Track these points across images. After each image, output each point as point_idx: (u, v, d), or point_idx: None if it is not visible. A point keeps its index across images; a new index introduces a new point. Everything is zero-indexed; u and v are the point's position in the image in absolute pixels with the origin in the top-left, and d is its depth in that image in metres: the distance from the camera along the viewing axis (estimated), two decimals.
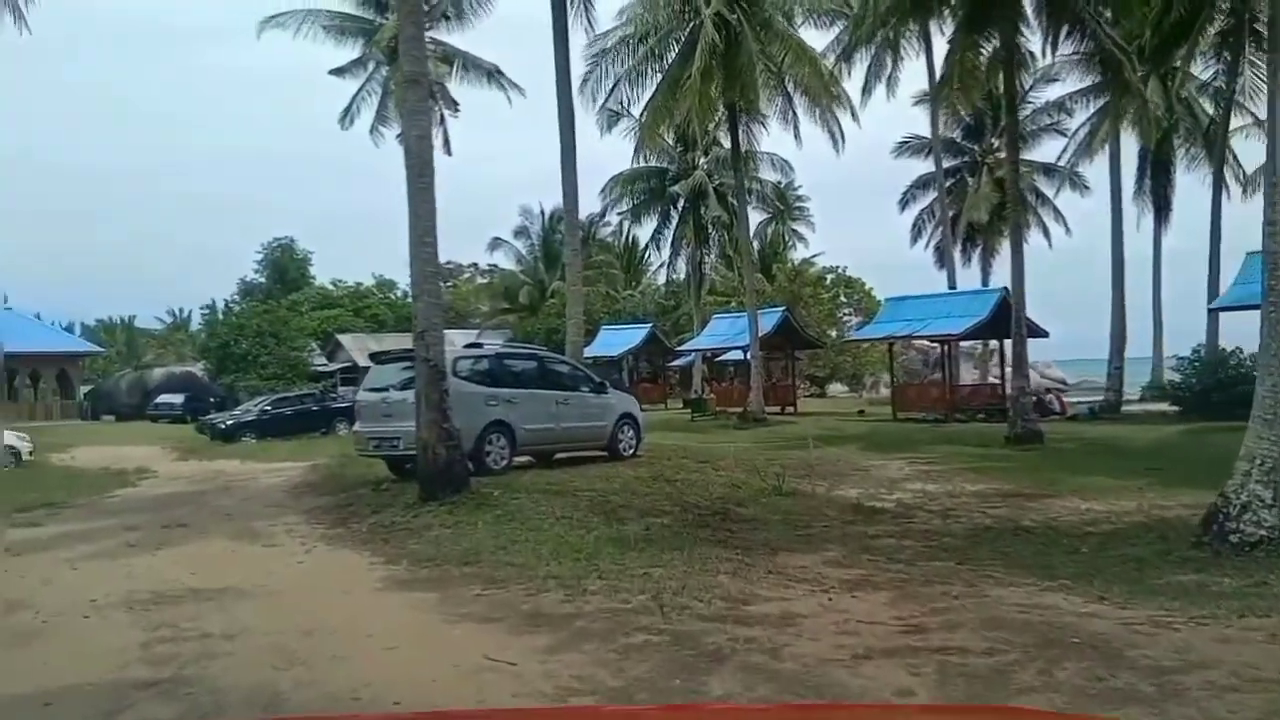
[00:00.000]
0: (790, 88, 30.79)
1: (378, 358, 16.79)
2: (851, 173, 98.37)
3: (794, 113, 31.41)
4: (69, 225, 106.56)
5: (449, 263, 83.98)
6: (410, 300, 68.58)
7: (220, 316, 57.08)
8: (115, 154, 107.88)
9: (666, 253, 47.69)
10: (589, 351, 46.22)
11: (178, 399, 49.94)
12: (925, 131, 41.61)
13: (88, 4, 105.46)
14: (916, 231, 43.17)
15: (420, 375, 12.07)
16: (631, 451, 17.48)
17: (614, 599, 6.84)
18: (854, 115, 31.38)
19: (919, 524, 11.84)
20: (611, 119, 37.13)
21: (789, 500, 13.54)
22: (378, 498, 13.24)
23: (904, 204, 43.48)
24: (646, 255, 51.36)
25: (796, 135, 31.95)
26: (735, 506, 12.91)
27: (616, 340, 46.02)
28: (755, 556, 8.99)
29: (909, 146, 43.31)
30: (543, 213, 63.47)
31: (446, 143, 33.62)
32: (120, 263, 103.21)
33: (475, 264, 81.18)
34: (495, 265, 71.95)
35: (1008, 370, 42.85)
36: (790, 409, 36.22)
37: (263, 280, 65.52)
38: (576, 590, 7.13)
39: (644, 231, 49.32)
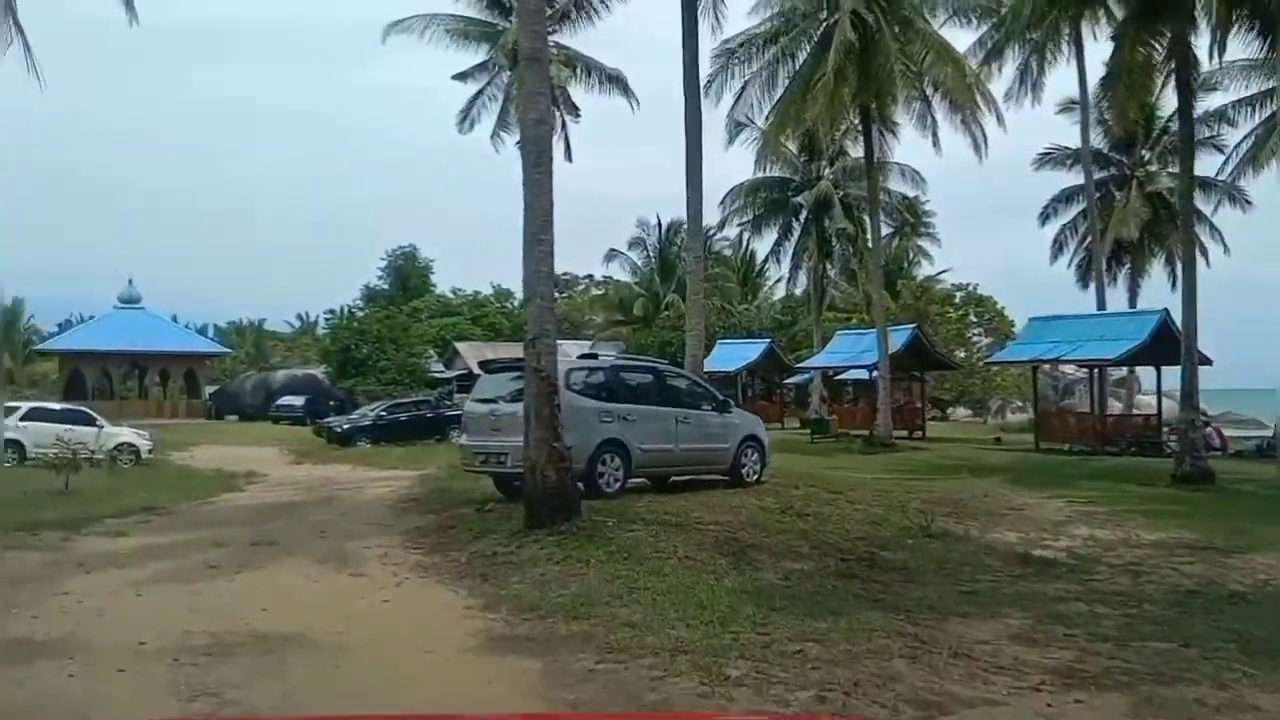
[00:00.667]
0: (929, 91, 28.71)
1: (487, 366, 15.52)
2: (981, 185, 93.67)
3: (932, 118, 29.32)
4: (213, 231, 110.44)
5: (565, 274, 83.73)
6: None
7: (343, 321, 57.43)
8: (257, 165, 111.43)
9: (786, 266, 45.67)
10: (704, 366, 44.74)
11: (298, 401, 50.31)
12: (1066, 141, 38.84)
13: (232, 19, 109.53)
14: (1058, 248, 40.23)
15: (530, 387, 10.71)
16: (756, 478, 15.81)
17: (766, 694, 5.24)
18: (999, 119, 29.02)
19: (1104, 583, 9.89)
20: (734, 129, 35.58)
21: (939, 544, 11.69)
22: (481, 521, 11.94)
23: (1045, 218, 40.59)
24: (765, 268, 49.40)
25: (935, 142, 29.82)
26: (880, 550, 11.16)
27: (733, 355, 44.27)
28: (923, 624, 7.27)
29: (1051, 158, 40.45)
30: (659, 224, 62.36)
31: (567, 149, 32.54)
32: (255, 268, 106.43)
33: (590, 275, 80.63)
34: (609, 277, 71.00)
35: (1143, 399, 39.95)
36: (918, 433, 33.93)
37: (385, 287, 66.07)
38: (715, 676, 5.54)
39: (763, 244, 47.44)
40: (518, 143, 33.17)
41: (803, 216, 42.90)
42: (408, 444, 34.66)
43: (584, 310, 76.74)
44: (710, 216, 44.59)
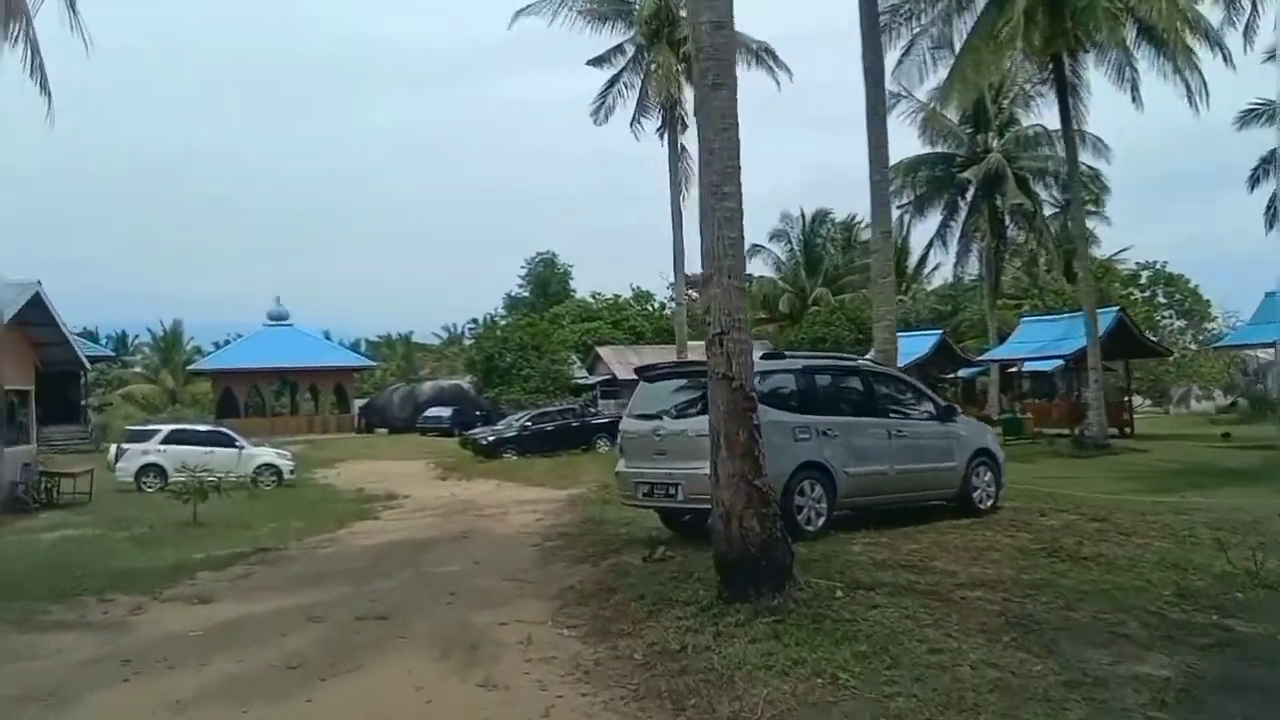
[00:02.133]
0: (1132, 35, 24.29)
1: (648, 373, 12.33)
2: (1165, 152, 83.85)
3: (1132, 67, 24.87)
4: (365, 251, 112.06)
5: (696, 273, 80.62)
6: (669, 309, 64.87)
7: (486, 330, 55.86)
8: (402, 186, 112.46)
9: (953, 249, 41.19)
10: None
11: (445, 412, 48.75)
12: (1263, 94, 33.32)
13: (366, 47, 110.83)
14: (1271, 215, 34.68)
15: (716, 400, 7.52)
16: (991, 503, 12.24)
17: None
18: (1225, 57, 24.21)
19: None
20: (889, 101, 31.79)
21: None
22: (653, 579, 8.82)
23: (1254, 182, 35.08)
24: (929, 252, 44.93)
25: (1135, 97, 25.32)
26: (1221, 616, 7.51)
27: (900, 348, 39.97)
28: None
29: (1257, 113, 34.92)
30: (802, 216, 58.57)
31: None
32: (404, 282, 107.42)
33: None
34: (749, 274, 67.36)
35: None
36: (1127, 430, 29.30)
37: (526, 294, 64.45)
38: None
39: (924, 228, 43.03)
40: (658, 129, 30.71)
41: (969, 194, 38.47)
42: (554, 455, 32.23)
43: None
44: (851, 204, 40.63)
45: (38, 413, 40.41)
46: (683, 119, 29.02)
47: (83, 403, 44.09)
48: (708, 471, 10.04)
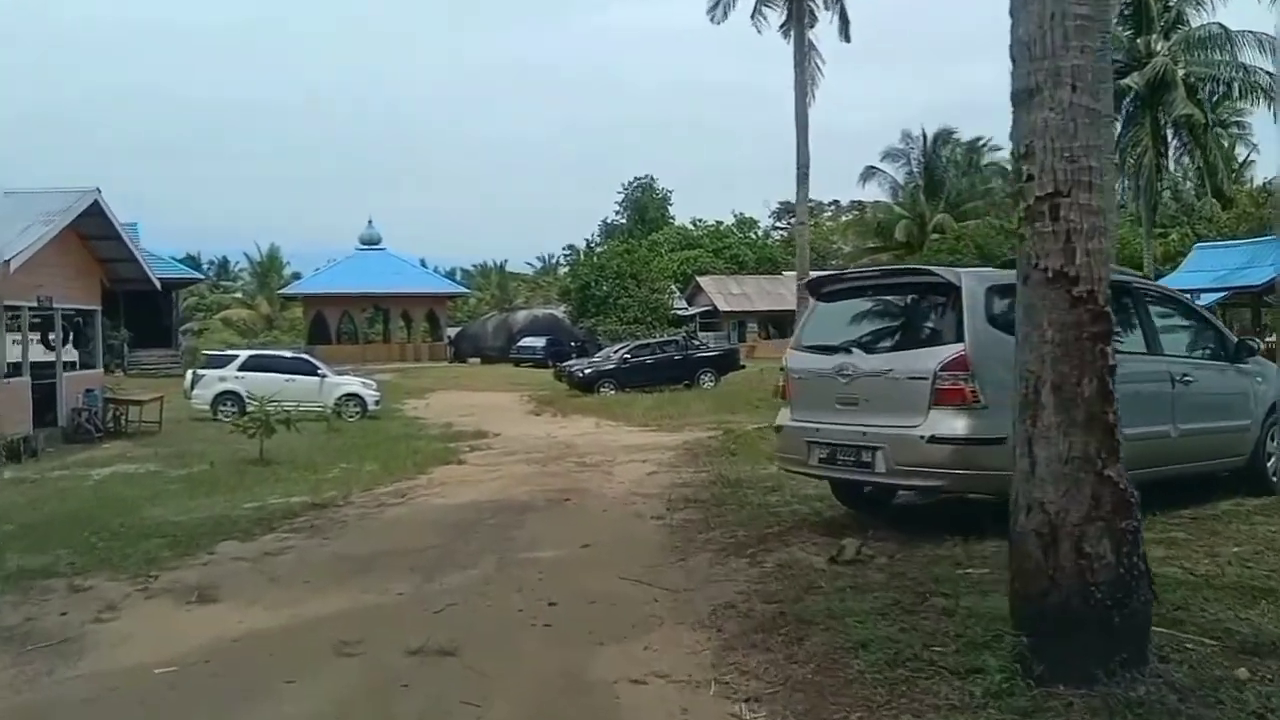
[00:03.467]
0: None
1: (826, 287, 8.73)
2: None
3: None
4: (463, 182, 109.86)
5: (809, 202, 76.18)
6: (775, 236, 61.22)
7: (582, 258, 52.80)
8: (502, 119, 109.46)
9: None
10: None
11: (539, 342, 46.15)
12: None
13: None
14: None
15: (1038, 321, 4.04)
16: None
17: None
18: None
19: None
20: None
21: None
22: (863, 600, 5.57)
23: None
24: None
25: None
26: None
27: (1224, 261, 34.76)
28: None
29: None
30: (924, 135, 53.59)
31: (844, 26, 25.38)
32: (501, 211, 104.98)
33: (836, 201, 72.48)
34: (858, 202, 62.76)
35: None
36: None
37: (623, 221, 61.12)
38: None
39: None
40: (782, 27, 26.75)
41: (1126, 104, 33.49)
42: (654, 390, 29.23)
43: (831, 238, 69.04)
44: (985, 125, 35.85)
45: (128, 335, 39.26)
46: (811, 10, 25.02)
47: (174, 326, 42.68)
48: (924, 432, 6.78)
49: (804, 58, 24.85)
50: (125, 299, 38.01)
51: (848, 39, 25.52)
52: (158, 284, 22.49)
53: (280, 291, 57.08)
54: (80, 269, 20.06)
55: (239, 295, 71.42)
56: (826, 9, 25.57)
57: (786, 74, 24.87)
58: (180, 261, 76.40)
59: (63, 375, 19.32)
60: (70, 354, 22.82)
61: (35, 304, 17.98)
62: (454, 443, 18.37)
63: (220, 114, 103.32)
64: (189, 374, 24.82)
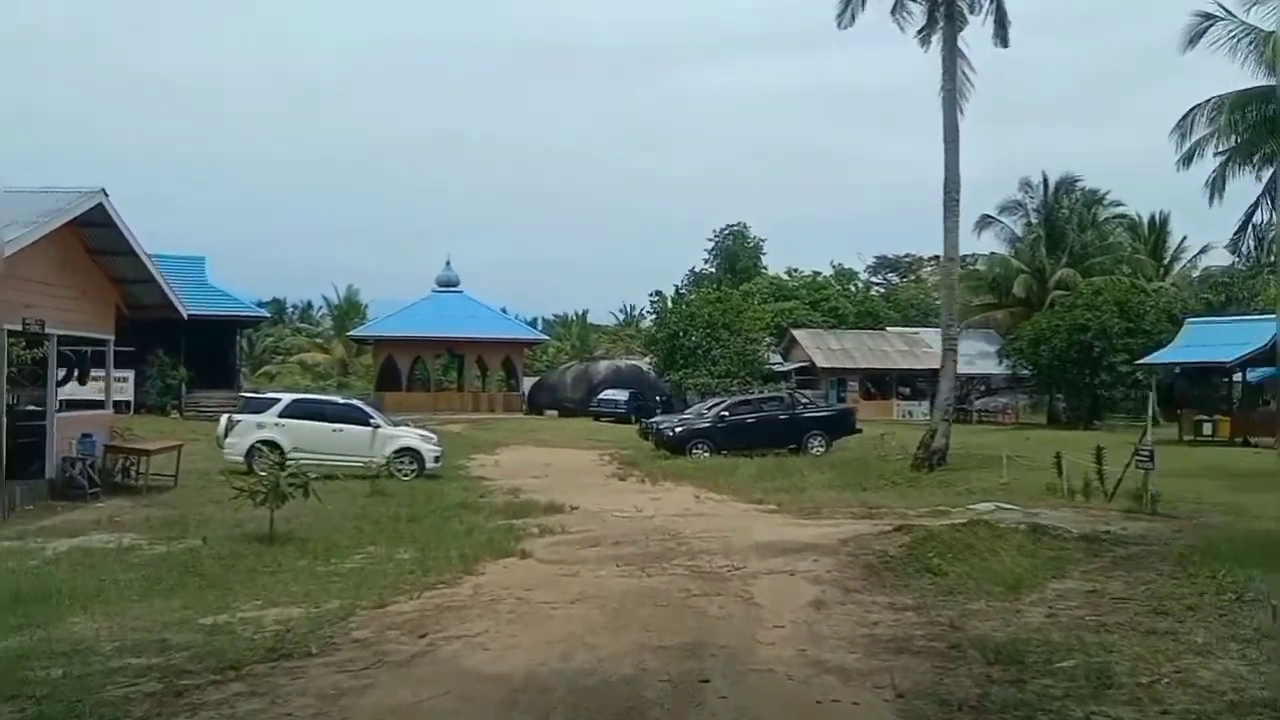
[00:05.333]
0: None
1: None
2: None
3: None
4: (543, 231, 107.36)
5: (905, 255, 71.05)
6: (875, 290, 56.01)
7: (669, 305, 48.58)
8: (586, 169, 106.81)
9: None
10: (1169, 357, 31.48)
11: (621, 396, 41.93)
12: None
13: (567, 37, 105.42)
14: None
15: None
16: None
17: None
18: None
19: None
20: (1199, 26, 23.08)
21: None
22: None
23: None
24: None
25: None
26: None
27: (1218, 338, 30.15)
28: None
29: None
30: (1045, 182, 48.32)
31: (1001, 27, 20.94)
32: (582, 264, 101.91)
33: (936, 256, 67.11)
34: (971, 254, 57.37)
35: None
36: None
37: (712, 270, 56.94)
38: None
39: (1238, 182, 32.53)
40: (919, 34, 22.48)
41: None
42: (756, 454, 24.66)
43: (932, 294, 63.80)
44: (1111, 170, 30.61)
45: (187, 375, 36.14)
46: (962, 12, 20.64)
47: (237, 366, 39.56)
48: None
49: (953, 62, 20.43)
50: (187, 336, 35.11)
51: (1004, 43, 20.99)
52: (184, 312, 18.87)
53: (350, 334, 54.00)
54: (87, 290, 16.49)
55: (318, 339, 68.97)
56: (974, 12, 21.18)
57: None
58: (263, 304, 74.64)
59: (54, 417, 15.61)
60: (80, 391, 19.32)
61: (20, 328, 14.29)
62: (519, 519, 14.14)
63: (310, 163, 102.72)
64: (223, 419, 21.06)
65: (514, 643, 6.62)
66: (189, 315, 34.98)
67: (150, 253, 35.69)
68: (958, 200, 21.66)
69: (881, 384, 49.35)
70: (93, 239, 16.15)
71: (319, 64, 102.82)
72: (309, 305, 75.47)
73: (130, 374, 33.40)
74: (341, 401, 22.48)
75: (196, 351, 35.12)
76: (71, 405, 18.84)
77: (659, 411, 36.15)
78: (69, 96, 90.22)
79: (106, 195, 15.15)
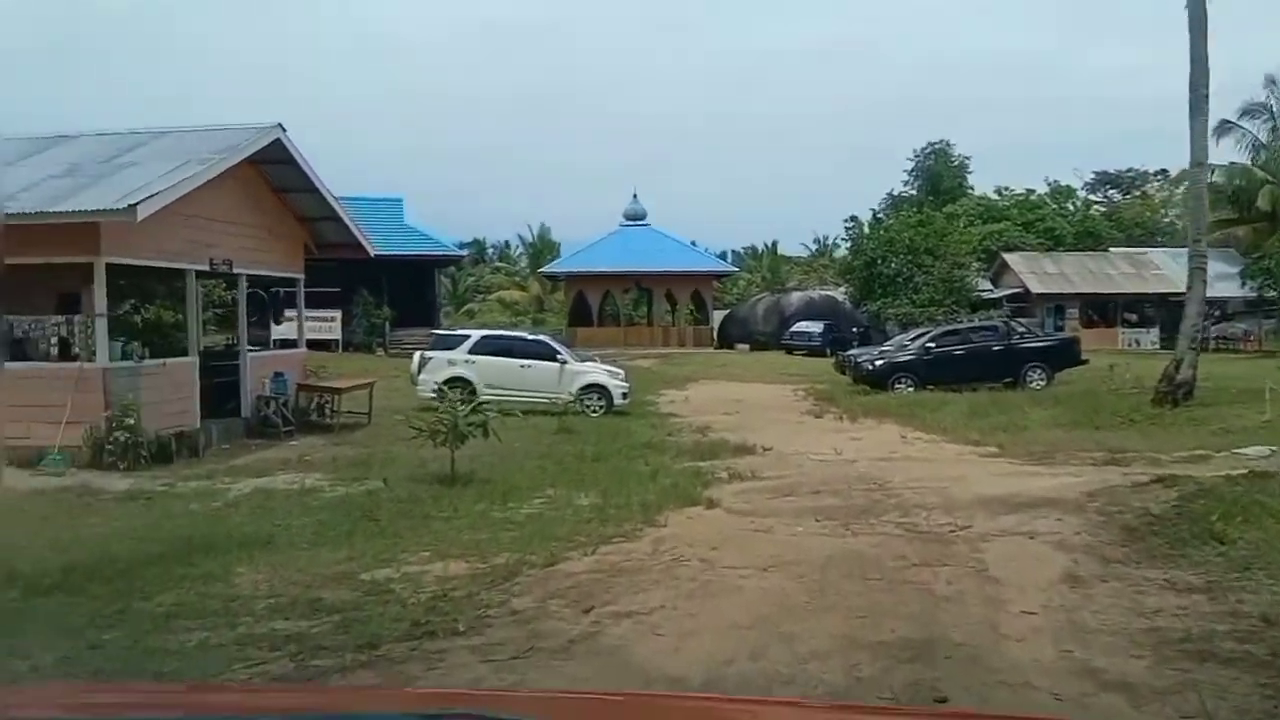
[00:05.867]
0: None
1: None
2: None
3: None
4: (733, 159, 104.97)
5: (1128, 170, 64.37)
6: (1095, 209, 51.45)
7: (866, 231, 45.86)
8: (775, 98, 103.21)
9: None
10: None
11: (816, 328, 40.01)
12: None
13: None
14: None
15: None
16: None
17: None
18: None
19: None
20: None
21: None
22: None
23: None
24: None
25: None
26: None
27: None
28: None
29: None
30: None
31: None
32: (771, 193, 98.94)
33: (1164, 170, 60.35)
34: (1209, 165, 50.95)
35: None
36: None
37: (913, 192, 53.36)
38: None
39: None
40: None
41: None
42: (967, 388, 22.49)
43: (1161, 210, 57.64)
44: None
45: (391, 314, 37.17)
46: None
47: (436, 304, 40.41)
48: None
49: None
50: (388, 276, 36.04)
51: None
52: (370, 249, 18.66)
53: (541, 270, 54.30)
54: (275, 230, 16.43)
55: (516, 278, 70.30)
56: None
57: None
58: (464, 245, 76.71)
59: (247, 357, 15.69)
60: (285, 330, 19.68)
61: (207, 268, 14.30)
62: (707, 461, 13.03)
63: (517, 107, 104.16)
64: (416, 356, 21.04)
65: (693, 625, 5.44)
66: (389, 255, 36.48)
67: (348, 194, 36.54)
68: (1206, 97, 18.44)
69: (1104, 310, 44.93)
70: (276, 177, 16.01)
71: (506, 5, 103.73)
72: (507, 245, 76.95)
73: (337, 314, 34.72)
74: (529, 337, 22.02)
75: (398, 291, 36.00)
76: (282, 344, 19.27)
77: (856, 344, 34.09)
78: (259, 47, 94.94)
79: (284, 130, 14.86)
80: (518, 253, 75.46)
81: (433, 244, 38.12)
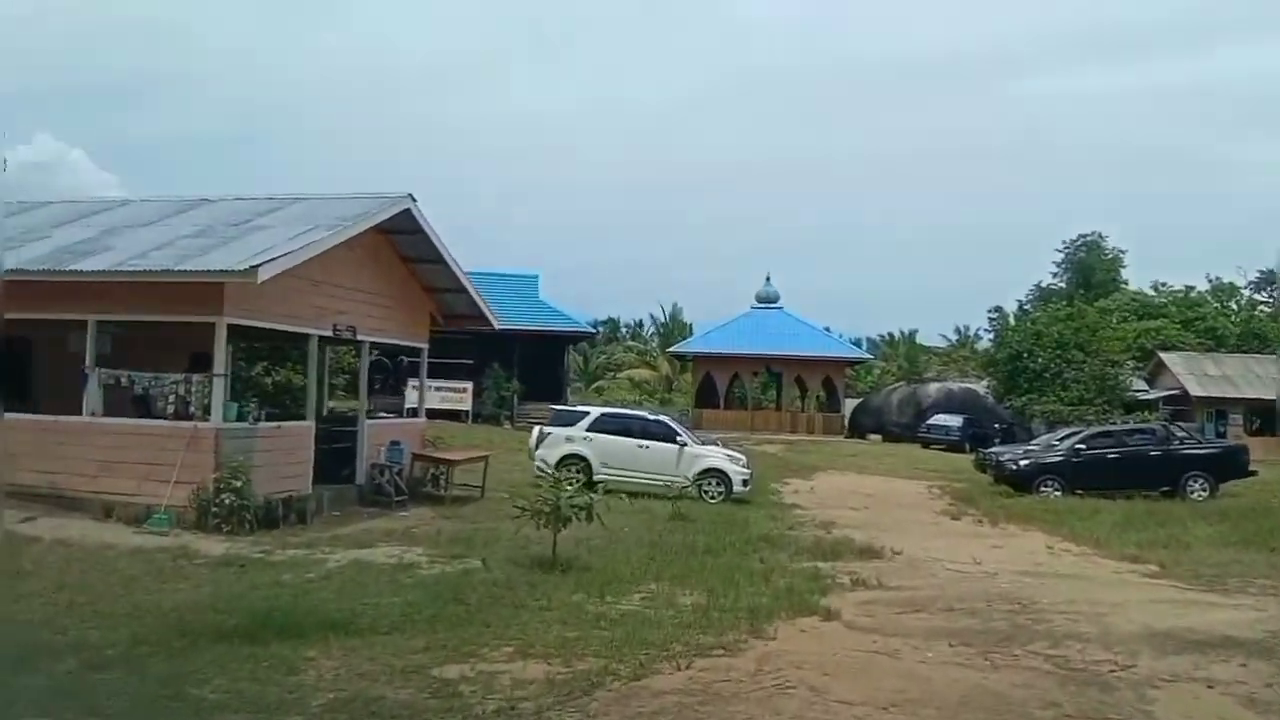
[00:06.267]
0: None
1: None
2: None
3: None
4: (869, 254, 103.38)
5: None
6: (1262, 309, 47.87)
7: (1011, 322, 43.72)
8: (929, 198, 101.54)
9: None
10: None
11: (955, 421, 38.05)
12: None
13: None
14: None
15: None
16: None
17: None
18: None
19: None
20: None
21: None
22: None
23: None
24: None
25: None
26: None
27: None
28: None
29: None
30: None
31: None
32: (910, 283, 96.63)
33: None
34: None
35: None
36: None
37: (1062, 285, 50.85)
38: None
39: None
40: None
41: None
42: (1120, 495, 20.48)
43: None
44: None
45: (520, 388, 37.30)
46: None
47: (564, 379, 40.44)
48: None
49: None
50: (520, 350, 36.33)
51: None
52: (495, 322, 18.48)
53: (669, 350, 53.97)
54: (402, 299, 16.42)
55: (647, 356, 70.36)
56: None
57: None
58: (599, 323, 77.33)
59: (365, 424, 15.54)
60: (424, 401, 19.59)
61: (330, 334, 14.26)
62: (829, 562, 11.95)
63: (640, 190, 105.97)
64: (535, 431, 20.66)
65: None
66: (521, 329, 36.82)
67: (484, 270, 37.00)
68: None
69: (1270, 418, 41.17)
70: (405, 247, 16.03)
71: (648, 96, 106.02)
72: (639, 324, 77.36)
73: (469, 385, 35.07)
74: (650, 417, 21.35)
75: (529, 365, 36.19)
76: (413, 413, 19.18)
77: (998, 441, 32.09)
78: (401, 128, 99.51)
79: (414, 200, 14.87)
80: (649, 332, 75.69)
81: (565, 320, 38.30)
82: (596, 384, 64.41)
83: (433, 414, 34.39)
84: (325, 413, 17.56)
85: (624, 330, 77.18)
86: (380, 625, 8.10)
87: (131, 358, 12.99)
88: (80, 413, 12.22)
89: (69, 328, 12.64)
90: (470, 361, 35.59)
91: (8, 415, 12.65)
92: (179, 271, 11.40)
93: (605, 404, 33.50)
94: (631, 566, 11.12)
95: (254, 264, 11.25)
